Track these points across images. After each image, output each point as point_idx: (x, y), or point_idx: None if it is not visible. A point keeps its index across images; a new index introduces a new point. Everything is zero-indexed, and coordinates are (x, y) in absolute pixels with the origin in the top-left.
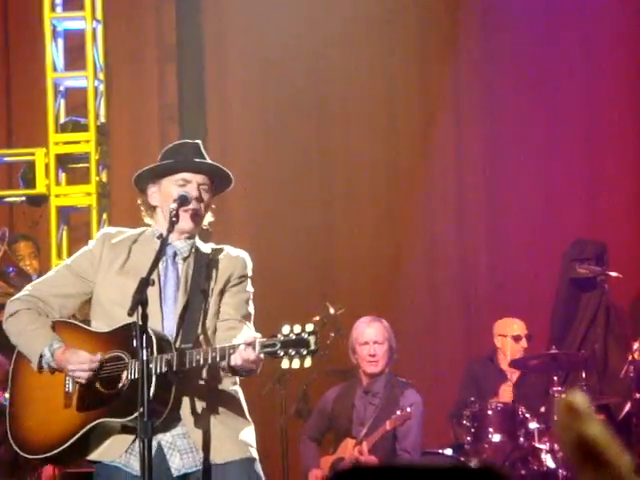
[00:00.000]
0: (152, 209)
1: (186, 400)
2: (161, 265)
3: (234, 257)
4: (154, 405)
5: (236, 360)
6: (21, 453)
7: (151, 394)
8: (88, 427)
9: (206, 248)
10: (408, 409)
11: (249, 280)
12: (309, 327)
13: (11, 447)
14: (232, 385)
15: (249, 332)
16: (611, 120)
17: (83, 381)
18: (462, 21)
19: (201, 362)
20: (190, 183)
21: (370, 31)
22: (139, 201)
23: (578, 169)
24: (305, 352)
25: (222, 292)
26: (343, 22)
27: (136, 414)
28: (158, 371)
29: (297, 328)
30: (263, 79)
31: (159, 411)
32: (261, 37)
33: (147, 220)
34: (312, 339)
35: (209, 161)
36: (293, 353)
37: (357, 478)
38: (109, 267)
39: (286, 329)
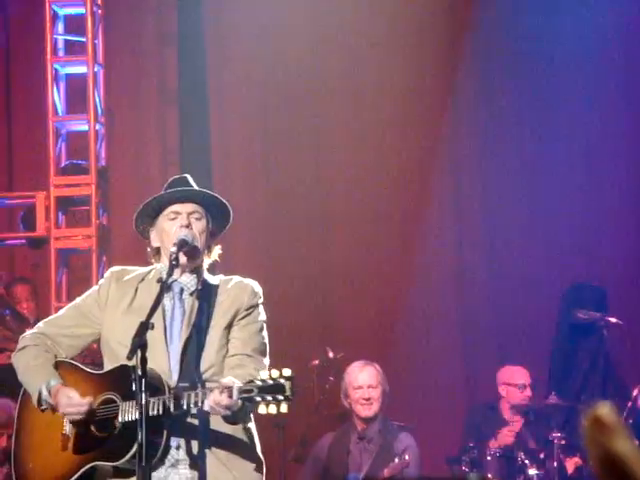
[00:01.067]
0: (157, 251)
1: (190, 442)
2: (169, 303)
3: (242, 287)
4: (147, 447)
5: (207, 402)
6: None
7: (138, 439)
8: (82, 470)
9: (214, 280)
10: (406, 457)
11: (259, 308)
12: (286, 372)
13: None
14: (246, 424)
15: (242, 374)
16: (610, 164)
17: (77, 421)
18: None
19: (189, 406)
20: (180, 214)
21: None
22: (148, 249)
23: (578, 214)
24: (281, 398)
25: (230, 325)
26: (347, 48)
27: (127, 457)
28: (150, 413)
29: (275, 373)
30: (265, 126)
31: (150, 455)
32: (264, 83)
33: (155, 264)
34: (288, 385)
35: (195, 188)
36: (270, 399)
37: None
38: (116, 307)
39: (264, 374)
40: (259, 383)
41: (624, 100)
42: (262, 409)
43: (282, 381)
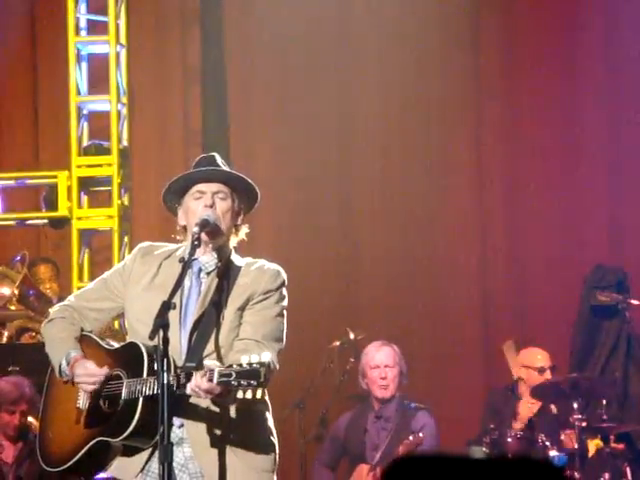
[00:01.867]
0: (184, 229)
1: (194, 422)
2: (187, 282)
3: (262, 271)
4: (144, 426)
5: (189, 386)
6: (42, 464)
7: (136, 417)
8: (89, 445)
9: (240, 262)
10: (420, 434)
11: (279, 294)
12: (265, 357)
13: (36, 462)
14: (254, 405)
15: (238, 358)
16: (633, 148)
17: (89, 392)
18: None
19: (174, 387)
20: (205, 194)
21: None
22: (177, 227)
23: (599, 195)
24: (254, 383)
25: (243, 308)
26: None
27: (125, 434)
28: (147, 393)
29: (254, 358)
30: (285, 102)
31: (151, 434)
32: (284, 59)
33: (183, 242)
34: (262, 370)
35: (221, 168)
36: (244, 384)
37: (413, 467)
38: (137, 283)
39: (245, 359)
40: (237, 368)
41: None
42: (239, 394)
43: (257, 367)
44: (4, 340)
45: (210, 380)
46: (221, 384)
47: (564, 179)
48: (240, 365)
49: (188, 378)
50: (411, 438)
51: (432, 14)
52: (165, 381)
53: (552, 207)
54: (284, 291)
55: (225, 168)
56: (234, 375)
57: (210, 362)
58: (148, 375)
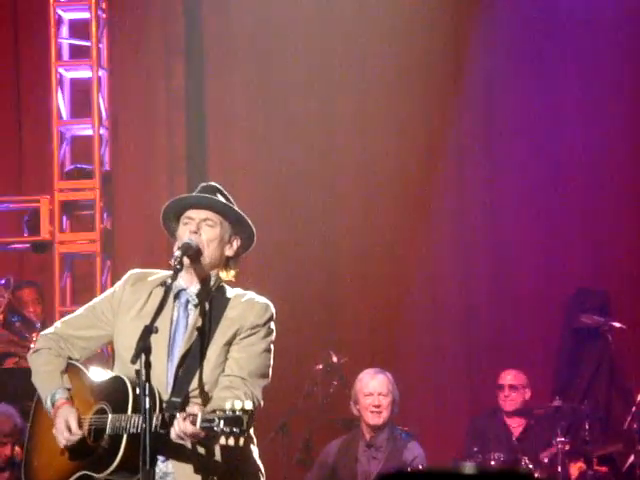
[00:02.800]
0: None
1: (179, 455)
2: (175, 313)
3: (250, 304)
4: (127, 463)
5: (174, 430)
6: None
7: (120, 454)
8: (72, 478)
9: (229, 293)
10: (419, 467)
11: (266, 329)
12: (247, 405)
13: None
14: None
15: (224, 396)
16: (614, 167)
17: (61, 445)
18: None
19: (156, 427)
20: (193, 220)
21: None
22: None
23: (581, 218)
24: (237, 431)
25: (230, 343)
26: (354, 72)
27: (109, 471)
28: (131, 431)
29: (238, 404)
30: (268, 131)
31: (134, 468)
32: (266, 89)
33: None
34: (245, 418)
35: (211, 197)
36: (227, 431)
37: None
38: (127, 312)
39: (228, 404)
40: (221, 414)
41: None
42: (222, 440)
43: (240, 414)
44: None
45: (193, 424)
46: (204, 429)
47: (546, 197)
48: (223, 411)
49: (172, 419)
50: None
51: (418, 15)
52: (147, 406)
53: (535, 229)
54: (272, 325)
55: (221, 198)
56: (216, 420)
57: (191, 408)
58: (133, 412)
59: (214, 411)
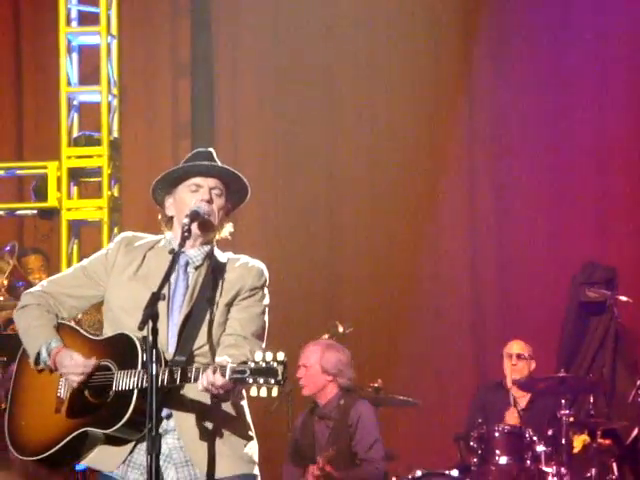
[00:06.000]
0: (170, 220)
1: (182, 413)
2: (173, 275)
3: (247, 268)
4: (135, 418)
5: (202, 382)
6: (13, 452)
7: (130, 409)
8: (73, 435)
9: (223, 257)
10: (330, 450)
11: (263, 291)
12: (280, 356)
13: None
14: (237, 398)
15: (236, 355)
16: (622, 145)
17: (75, 385)
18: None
19: (181, 381)
20: (202, 187)
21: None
22: (159, 216)
23: (588, 192)
24: (272, 382)
25: (231, 304)
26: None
27: (118, 426)
28: (143, 386)
29: (269, 356)
30: (275, 96)
31: (141, 423)
32: (273, 54)
33: (166, 232)
34: (280, 369)
35: (220, 164)
36: (261, 382)
37: None
38: (121, 273)
39: (258, 356)
40: (252, 365)
41: None
42: (253, 391)
43: (275, 365)
44: None
45: (222, 376)
46: (234, 380)
47: (552, 176)
48: (256, 363)
49: (183, 374)
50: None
51: (423, 15)
52: (155, 372)
53: (541, 205)
54: (266, 290)
55: (222, 165)
56: (248, 372)
57: (221, 358)
58: (143, 368)
59: (245, 362)
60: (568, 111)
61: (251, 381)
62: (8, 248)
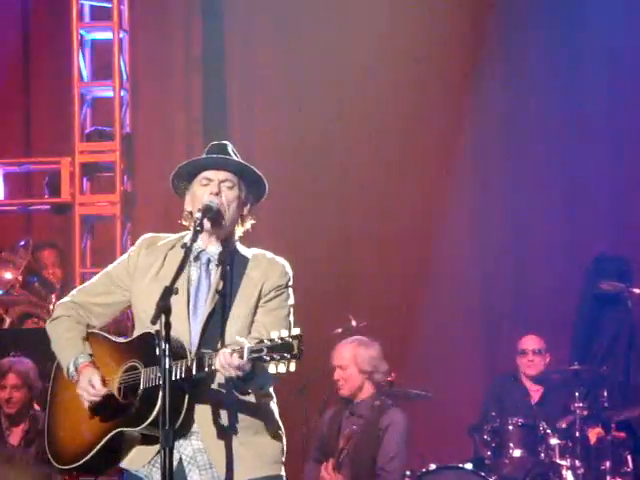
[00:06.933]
0: (190, 215)
1: (204, 413)
2: (195, 273)
3: (272, 264)
4: (165, 414)
5: (219, 360)
6: (54, 464)
7: (158, 404)
8: (107, 437)
9: (247, 253)
10: (353, 427)
11: (288, 291)
12: (295, 331)
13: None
14: (261, 398)
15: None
16: (637, 135)
17: (86, 405)
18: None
19: (205, 368)
20: (212, 181)
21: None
22: (183, 212)
23: (602, 184)
24: (289, 356)
25: (255, 302)
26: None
27: (147, 422)
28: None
29: (284, 332)
30: (287, 93)
31: (172, 421)
32: (286, 51)
33: (187, 231)
34: (295, 343)
35: (231, 157)
36: (278, 358)
37: None
38: (144, 275)
39: (274, 334)
40: (268, 343)
41: None
42: (272, 368)
43: (290, 340)
44: (7, 325)
45: (240, 357)
46: (252, 360)
47: (566, 164)
48: (271, 340)
49: (200, 362)
50: (347, 430)
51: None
52: (167, 366)
53: (554, 195)
54: (291, 289)
55: (235, 157)
56: (265, 350)
57: (240, 338)
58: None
59: (261, 341)
60: (580, 99)
61: (268, 358)
62: (22, 243)
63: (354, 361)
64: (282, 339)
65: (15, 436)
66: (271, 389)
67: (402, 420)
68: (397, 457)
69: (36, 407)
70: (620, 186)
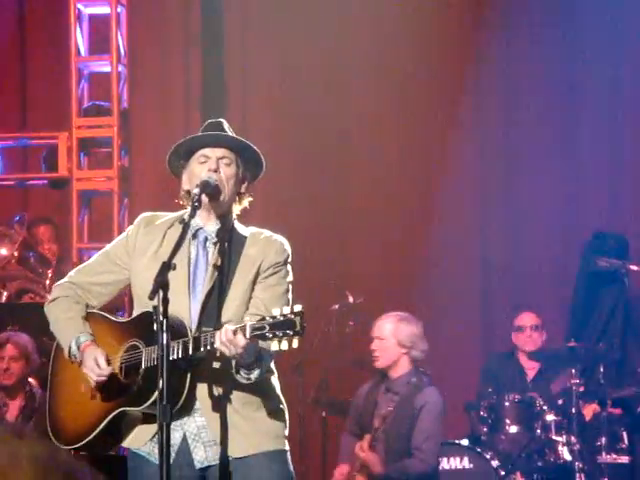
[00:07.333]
0: (187, 194)
1: (205, 390)
2: (193, 251)
3: (269, 242)
4: (168, 392)
5: (220, 339)
6: (57, 443)
7: (160, 379)
8: (110, 417)
9: (245, 231)
10: (389, 408)
11: (287, 267)
12: (297, 308)
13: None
14: (265, 375)
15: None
16: (635, 113)
17: (92, 383)
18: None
19: (205, 346)
20: (210, 158)
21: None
22: (181, 192)
23: (599, 160)
24: (291, 333)
25: (253, 279)
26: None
27: (150, 402)
28: (170, 357)
29: (286, 309)
30: (285, 65)
31: (174, 398)
32: (283, 23)
33: (185, 209)
34: (298, 320)
35: (228, 133)
36: (280, 335)
37: None
38: (143, 253)
39: (276, 311)
40: (270, 320)
41: None
42: (275, 346)
43: (292, 317)
44: (3, 300)
45: (243, 336)
46: (255, 337)
47: (563, 145)
48: (273, 317)
49: (196, 342)
50: (383, 411)
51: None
52: (164, 341)
53: (551, 173)
54: (289, 266)
55: (232, 134)
56: (267, 327)
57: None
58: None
59: (263, 318)
60: (581, 82)
61: (271, 336)
62: (18, 218)
63: (394, 334)
64: (284, 316)
65: (12, 411)
66: (272, 364)
67: (438, 399)
68: (432, 437)
69: (32, 382)
70: (619, 162)
